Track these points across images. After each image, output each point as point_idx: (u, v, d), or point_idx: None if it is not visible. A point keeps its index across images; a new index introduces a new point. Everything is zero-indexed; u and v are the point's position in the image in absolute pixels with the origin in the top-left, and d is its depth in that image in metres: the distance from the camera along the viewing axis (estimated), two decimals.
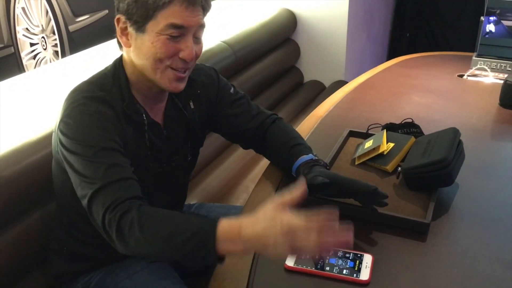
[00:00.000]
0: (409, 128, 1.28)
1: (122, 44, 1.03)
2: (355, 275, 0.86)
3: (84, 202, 0.93)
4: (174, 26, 0.96)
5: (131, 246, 0.89)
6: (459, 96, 1.69)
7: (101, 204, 0.90)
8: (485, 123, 1.47)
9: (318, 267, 0.88)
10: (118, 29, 1.02)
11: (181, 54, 0.99)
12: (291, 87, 2.74)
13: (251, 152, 1.28)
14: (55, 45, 1.58)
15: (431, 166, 1.05)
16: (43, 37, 1.55)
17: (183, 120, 1.15)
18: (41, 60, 1.58)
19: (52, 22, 1.53)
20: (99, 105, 0.99)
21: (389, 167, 1.17)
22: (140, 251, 0.90)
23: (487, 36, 1.89)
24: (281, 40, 2.69)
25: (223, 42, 2.16)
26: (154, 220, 0.89)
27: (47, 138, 1.17)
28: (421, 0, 3.37)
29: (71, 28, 1.57)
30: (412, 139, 1.21)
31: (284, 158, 1.16)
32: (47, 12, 1.51)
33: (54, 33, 1.54)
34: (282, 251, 0.80)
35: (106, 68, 1.08)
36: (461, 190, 1.12)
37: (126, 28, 1.00)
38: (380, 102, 1.64)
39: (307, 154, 1.12)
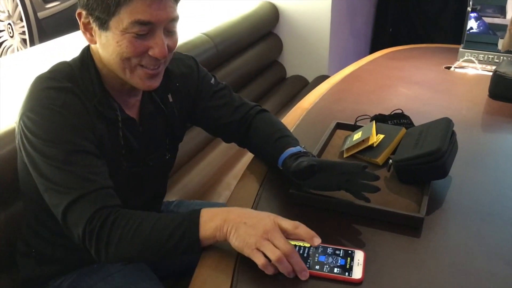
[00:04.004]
0: (399, 119, 1.23)
1: (87, 40, 0.94)
2: (347, 273, 0.80)
3: (57, 211, 0.87)
4: (140, 23, 0.86)
5: (112, 253, 0.85)
6: (447, 88, 1.65)
7: (79, 217, 0.85)
8: (475, 114, 1.43)
9: (307, 266, 0.81)
10: (80, 24, 0.92)
11: (151, 52, 0.90)
12: (273, 82, 2.68)
13: (234, 147, 1.22)
14: (23, 33, 1.48)
15: (424, 158, 0.99)
16: (9, 23, 1.45)
17: (160, 115, 1.07)
18: (8, 48, 1.48)
19: (20, 8, 1.43)
20: (66, 97, 0.90)
21: (379, 159, 1.12)
22: (122, 255, 0.86)
23: (468, 32, 1.87)
24: (263, 33, 2.63)
25: (204, 34, 2.09)
26: (134, 221, 0.85)
27: (11, 133, 1.09)
28: None
29: (40, 15, 1.48)
30: (403, 130, 1.15)
31: (270, 151, 1.09)
32: None
33: (21, 20, 1.45)
34: (254, 236, 0.79)
35: (72, 60, 0.97)
36: (454, 183, 1.07)
37: (89, 23, 0.90)
38: (367, 94, 1.59)
39: (295, 146, 1.05)
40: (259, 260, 0.79)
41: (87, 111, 0.92)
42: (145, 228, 0.84)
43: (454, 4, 3.20)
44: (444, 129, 1.05)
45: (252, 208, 0.99)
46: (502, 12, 1.96)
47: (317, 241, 0.81)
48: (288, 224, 0.82)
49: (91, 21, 0.90)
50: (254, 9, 2.57)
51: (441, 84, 1.68)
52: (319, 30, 2.70)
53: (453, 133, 1.07)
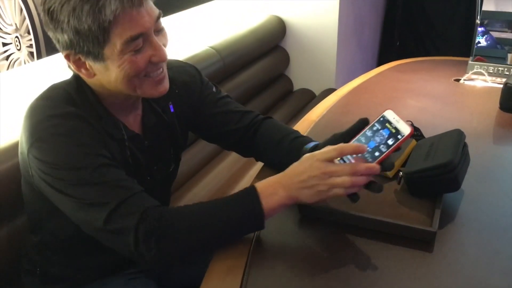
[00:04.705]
0: None
1: (83, 77, 0.90)
2: (399, 136, 0.83)
3: (96, 225, 0.82)
4: (132, 39, 0.83)
5: (178, 248, 0.83)
6: (457, 100, 1.63)
7: (125, 223, 0.81)
8: (486, 127, 1.40)
9: (368, 160, 0.84)
10: (71, 65, 0.88)
11: (154, 59, 0.87)
12: (280, 95, 2.67)
13: (239, 162, 1.20)
14: (30, 46, 1.48)
15: (436, 170, 0.96)
16: (17, 36, 1.45)
17: (163, 125, 1.05)
18: (15, 61, 1.48)
19: (27, 21, 1.43)
20: (74, 122, 0.86)
21: (390, 172, 1.09)
22: (189, 247, 0.84)
23: (476, 47, 1.85)
24: (270, 47, 2.62)
25: (211, 47, 2.09)
26: (192, 212, 0.85)
27: (13, 148, 1.07)
28: (410, 9, 3.35)
29: None
30: (413, 142, 1.13)
31: (286, 151, 1.06)
32: (21, 10, 1.41)
33: (29, 33, 1.45)
34: (319, 186, 0.83)
35: (64, 83, 0.93)
36: (466, 196, 1.04)
37: (80, 59, 0.86)
38: (375, 106, 1.57)
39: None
40: (340, 193, 0.84)
41: (98, 132, 0.89)
42: (210, 217, 0.84)
43: (462, 17, 3.19)
44: (456, 140, 1.02)
45: None
46: (510, 26, 1.95)
47: (363, 147, 0.83)
48: (330, 154, 0.84)
49: (82, 58, 0.86)
50: (261, 22, 2.57)
51: (450, 96, 1.66)
52: (326, 43, 2.70)
53: (465, 145, 1.04)
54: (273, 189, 0.85)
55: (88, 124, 0.88)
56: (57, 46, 0.87)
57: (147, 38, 0.86)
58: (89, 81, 0.92)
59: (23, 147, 0.89)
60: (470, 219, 0.97)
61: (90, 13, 0.79)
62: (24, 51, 1.40)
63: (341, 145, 0.85)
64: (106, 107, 0.94)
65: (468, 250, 0.89)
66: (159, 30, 0.90)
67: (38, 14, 1.41)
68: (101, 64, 0.85)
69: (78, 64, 0.87)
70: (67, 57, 0.87)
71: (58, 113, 0.86)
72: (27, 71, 1.45)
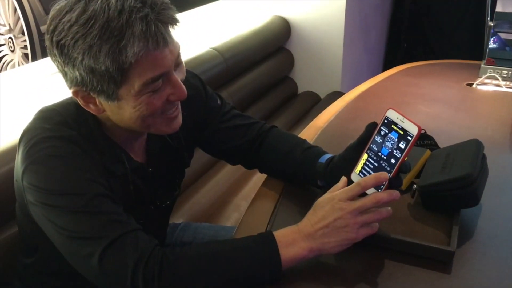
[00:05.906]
0: (422, 140, 1.14)
1: (92, 112, 0.82)
2: (409, 137, 0.79)
3: (89, 262, 0.74)
4: (153, 80, 0.76)
5: None
6: (470, 106, 1.56)
7: (122, 263, 0.73)
8: (502, 135, 1.33)
9: (386, 168, 0.81)
10: (80, 100, 0.80)
11: (172, 98, 0.80)
12: (284, 98, 2.61)
13: (242, 167, 1.13)
14: (25, 47, 1.42)
15: (454, 183, 0.90)
16: (10, 37, 1.39)
17: (168, 150, 0.98)
18: (8, 63, 1.42)
19: (21, 21, 1.38)
20: (71, 145, 0.78)
21: (402, 184, 1.03)
22: None
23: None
24: (274, 48, 2.56)
25: (213, 48, 2.03)
26: (198, 255, 0.78)
27: (5, 156, 1.03)
28: (417, 11, 3.29)
29: (43, 28, 1.42)
30: (428, 152, 1.06)
31: (299, 162, 1.01)
32: (15, 9, 1.36)
33: (23, 34, 1.39)
34: (346, 227, 0.77)
35: (59, 107, 0.84)
36: (484, 211, 0.97)
37: (89, 95, 0.78)
38: (384, 112, 1.50)
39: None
40: (370, 232, 0.79)
41: (96, 166, 0.81)
42: (219, 263, 0.77)
43: (471, 19, 3.12)
44: (474, 152, 0.96)
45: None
46: None
47: (385, 176, 0.78)
48: (353, 192, 0.79)
49: (92, 94, 0.78)
50: (265, 23, 2.51)
51: (463, 102, 1.60)
52: (332, 45, 2.63)
53: (484, 157, 0.98)
54: (293, 238, 0.79)
55: (88, 155, 0.80)
56: (64, 79, 0.79)
57: (166, 76, 0.79)
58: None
59: (18, 173, 0.81)
60: (490, 237, 0.91)
61: (109, 53, 0.71)
62: (18, 52, 1.35)
63: (363, 179, 0.79)
64: (109, 136, 0.86)
65: (489, 272, 0.83)
66: (178, 64, 0.81)
67: (33, 14, 1.35)
68: (114, 103, 0.78)
69: (86, 99, 0.80)
70: (75, 93, 0.79)
71: (56, 135, 0.79)
72: (21, 73, 1.39)
